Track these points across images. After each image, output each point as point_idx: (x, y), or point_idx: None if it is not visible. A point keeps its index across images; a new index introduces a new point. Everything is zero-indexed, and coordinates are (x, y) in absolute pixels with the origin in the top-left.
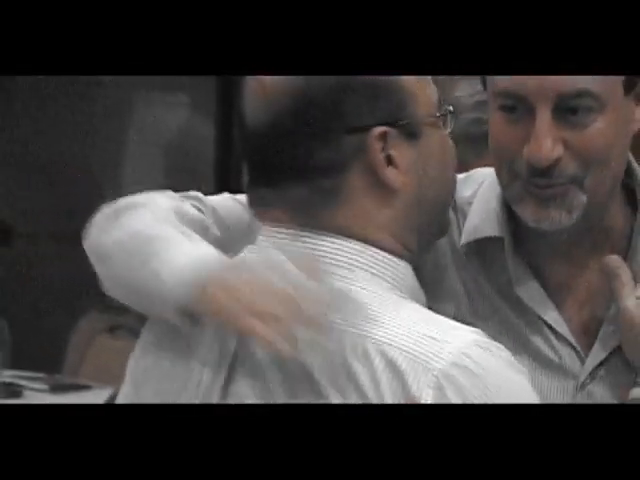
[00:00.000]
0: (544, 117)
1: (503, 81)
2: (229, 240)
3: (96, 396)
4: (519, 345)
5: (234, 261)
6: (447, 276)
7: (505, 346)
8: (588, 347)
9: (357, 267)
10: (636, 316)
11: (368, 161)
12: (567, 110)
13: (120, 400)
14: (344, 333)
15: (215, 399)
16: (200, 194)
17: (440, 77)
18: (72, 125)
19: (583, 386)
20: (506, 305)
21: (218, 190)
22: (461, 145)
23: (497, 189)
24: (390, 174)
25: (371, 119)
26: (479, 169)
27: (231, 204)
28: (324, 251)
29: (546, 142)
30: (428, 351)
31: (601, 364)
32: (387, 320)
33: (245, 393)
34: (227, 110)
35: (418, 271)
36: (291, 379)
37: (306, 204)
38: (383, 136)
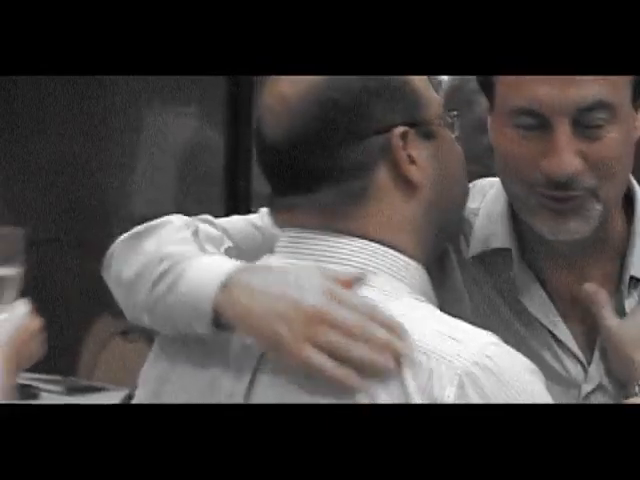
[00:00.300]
0: (563, 131)
1: (518, 99)
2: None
3: (110, 397)
4: (523, 353)
5: (256, 264)
6: (452, 282)
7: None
8: (591, 356)
9: (378, 270)
10: (618, 334)
11: (392, 159)
12: (584, 123)
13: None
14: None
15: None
16: (210, 217)
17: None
18: (83, 128)
19: (587, 396)
20: (511, 314)
21: (227, 195)
22: (489, 159)
23: (502, 200)
24: (412, 171)
25: (393, 120)
26: (483, 179)
27: (242, 225)
28: (346, 253)
29: (567, 156)
30: (451, 351)
31: (604, 374)
32: (409, 322)
33: (268, 396)
34: (234, 119)
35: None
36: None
37: (335, 206)
38: (404, 135)
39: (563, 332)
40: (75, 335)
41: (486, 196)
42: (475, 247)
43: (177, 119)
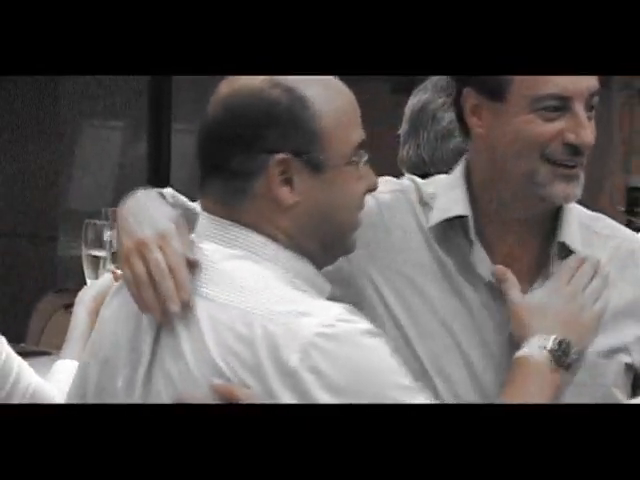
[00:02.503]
0: (581, 111)
1: (545, 88)
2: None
3: (54, 360)
4: (462, 306)
5: (137, 195)
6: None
7: (450, 304)
8: None
9: (259, 256)
10: (520, 306)
11: (268, 177)
12: (588, 106)
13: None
14: (234, 309)
15: (146, 356)
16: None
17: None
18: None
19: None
20: (459, 272)
21: None
22: (453, 162)
23: (459, 183)
24: (282, 192)
25: (282, 145)
26: (438, 176)
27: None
28: (236, 238)
29: (589, 128)
30: (298, 324)
31: None
32: (270, 300)
33: (166, 354)
34: (156, 131)
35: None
36: (194, 333)
37: (224, 197)
38: (284, 162)
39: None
40: (25, 309)
41: (442, 182)
42: (435, 217)
43: (113, 135)
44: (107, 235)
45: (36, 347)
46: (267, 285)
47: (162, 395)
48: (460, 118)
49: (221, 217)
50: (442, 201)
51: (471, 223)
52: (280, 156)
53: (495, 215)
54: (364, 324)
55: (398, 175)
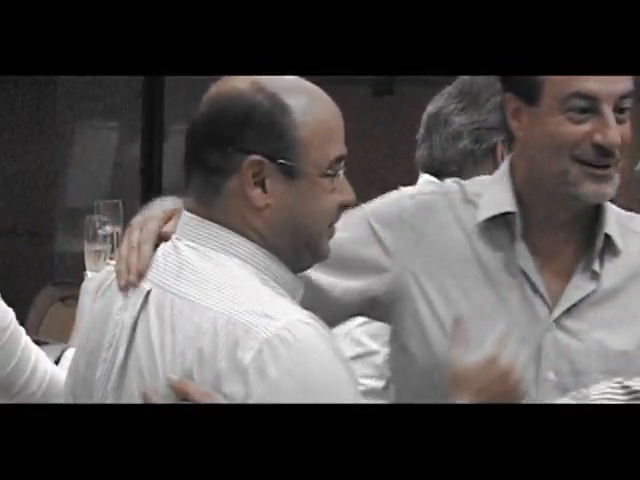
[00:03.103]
0: (610, 112)
1: (573, 85)
2: None
3: (51, 350)
4: (504, 301)
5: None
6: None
7: (492, 299)
8: (557, 302)
9: (233, 255)
10: (457, 371)
11: (240, 177)
12: (618, 109)
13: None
14: (203, 307)
15: (122, 351)
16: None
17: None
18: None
19: (549, 329)
20: (502, 270)
21: (143, 193)
22: (468, 157)
23: (504, 181)
24: (254, 194)
25: (258, 148)
26: (480, 177)
27: None
28: (212, 237)
29: (616, 130)
30: (259, 324)
31: (565, 314)
32: (237, 299)
33: (140, 350)
34: (149, 130)
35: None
36: (165, 330)
37: (202, 195)
38: (258, 164)
39: (538, 280)
40: (25, 304)
41: (486, 181)
42: (483, 214)
43: (104, 131)
44: (105, 230)
45: (35, 336)
46: (235, 284)
47: (134, 391)
48: (505, 121)
49: (199, 215)
50: (488, 199)
51: (518, 220)
52: (254, 157)
53: (536, 213)
54: (326, 334)
55: (380, 177)
